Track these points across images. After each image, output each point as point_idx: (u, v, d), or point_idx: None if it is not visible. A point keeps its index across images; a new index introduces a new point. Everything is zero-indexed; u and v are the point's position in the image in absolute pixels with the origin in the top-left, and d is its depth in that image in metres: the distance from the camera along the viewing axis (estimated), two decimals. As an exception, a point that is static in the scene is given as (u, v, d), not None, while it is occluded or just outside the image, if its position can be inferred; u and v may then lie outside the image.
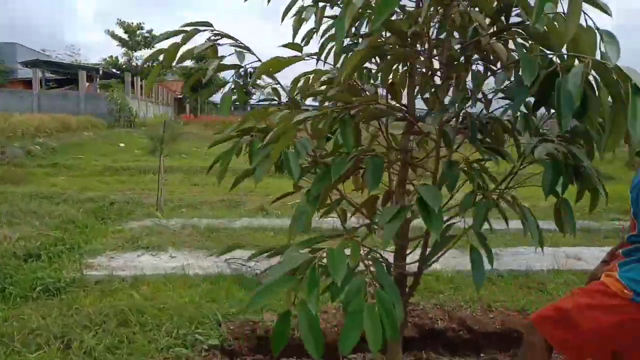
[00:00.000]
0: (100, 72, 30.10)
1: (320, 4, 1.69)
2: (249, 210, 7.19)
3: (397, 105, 1.46)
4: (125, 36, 37.24)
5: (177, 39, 1.51)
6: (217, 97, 59.00)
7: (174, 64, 1.53)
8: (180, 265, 4.42)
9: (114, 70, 34.59)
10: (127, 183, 9.53)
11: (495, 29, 1.28)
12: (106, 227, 5.82)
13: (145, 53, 39.12)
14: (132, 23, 36.97)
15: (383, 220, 1.17)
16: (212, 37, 1.52)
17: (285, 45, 1.51)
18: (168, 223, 6.07)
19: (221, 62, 1.61)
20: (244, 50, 1.51)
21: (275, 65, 1.46)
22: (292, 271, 1.09)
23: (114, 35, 37.18)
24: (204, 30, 1.50)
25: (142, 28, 37.21)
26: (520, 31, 1.27)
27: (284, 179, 7.96)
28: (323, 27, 1.75)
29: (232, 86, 1.80)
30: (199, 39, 1.57)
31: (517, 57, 1.21)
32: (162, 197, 7.10)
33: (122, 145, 16.77)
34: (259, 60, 1.54)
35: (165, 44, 1.53)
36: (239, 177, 1.65)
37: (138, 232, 5.51)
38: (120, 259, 4.62)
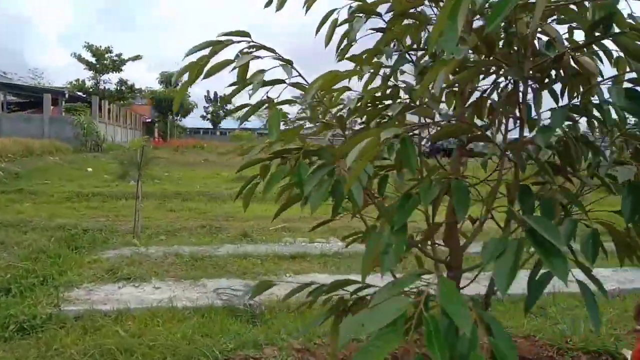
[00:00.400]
0: (66, 95, 29.24)
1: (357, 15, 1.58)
2: (231, 237, 6.92)
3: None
4: (93, 59, 36.50)
5: (206, 51, 1.36)
6: (185, 121, 58.28)
7: (200, 78, 1.37)
8: (166, 297, 4.14)
9: (80, 93, 33.70)
10: (98, 209, 9.09)
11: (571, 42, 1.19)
12: (81, 256, 5.45)
13: (113, 76, 38.43)
14: (100, 46, 36.32)
15: (490, 258, 0.99)
16: (246, 50, 1.37)
17: (347, 58, 1.37)
18: (147, 251, 5.75)
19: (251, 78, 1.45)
20: (287, 65, 1.36)
21: (332, 79, 1.32)
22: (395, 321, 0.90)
23: (80, 59, 36.39)
24: (239, 42, 1.36)
25: (110, 51, 36.60)
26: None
27: (266, 204, 7.67)
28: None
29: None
30: (227, 53, 1.42)
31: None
32: (139, 224, 6.76)
33: (89, 170, 16.16)
34: (300, 75, 1.40)
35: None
36: (285, 204, 1.48)
37: (116, 261, 5.17)
38: (100, 291, 4.29)
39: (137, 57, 38.33)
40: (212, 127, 70.98)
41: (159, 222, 7.86)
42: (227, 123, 67.98)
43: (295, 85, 1.42)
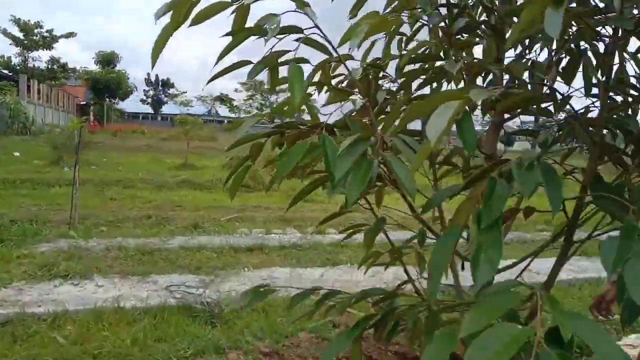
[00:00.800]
0: (-11, 72, 26.79)
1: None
2: (181, 228, 6.45)
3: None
4: (20, 34, 33.62)
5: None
6: (124, 105, 55.50)
7: (187, 24, 1.03)
8: (111, 297, 3.69)
9: (5, 71, 31.00)
10: (28, 197, 8.23)
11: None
12: (8, 251, 4.81)
13: (44, 54, 35.72)
14: (29, 20, 33.50)
15: (616, 264, 0.72)
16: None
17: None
18: (87, 244, 5.19)
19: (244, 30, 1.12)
20: (307, 6, 1.05)
21: (381, 25, 1.02)
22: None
23: (6, 33, 33.41)
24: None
25: (40, 26, 33.85)
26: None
27: (215, 192, 7.36)
28: None
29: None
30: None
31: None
32: (77, 213, 6.13)
33: (17, 154, 14.83)
34: (316, 26, 1.09)
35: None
36: (301, 193, 1.15)
37: (52, 256, 4.61)
38: (32, 291, 3.77)
39: (70, 34, 35.76)
40: (152, 111, 68.13)
41: (98, 211, 7.22)
42: (169, 108, 65.59)
43: (310, 41, 1.11)
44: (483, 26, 1.25)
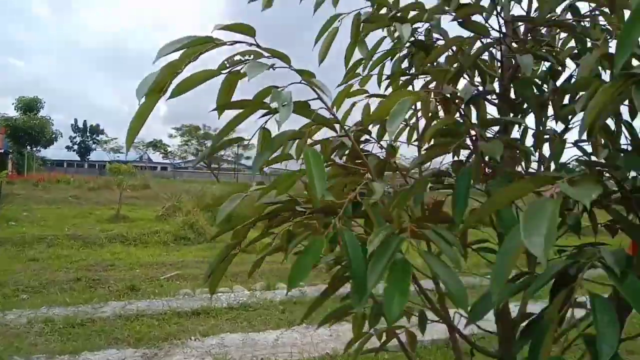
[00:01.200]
0: None
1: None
2: (115, 292, 5.88)
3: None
4: None
5: (177, 55, 0.84)
6: (47, 152, 52.31)
7: (165, 97, 0.84)
8: (36, 385, 3.17)
9: None
10: None
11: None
12: None
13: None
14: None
15: None
16: (240, 57, 0.88)
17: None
18: (5, 318, 4.55)
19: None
20: (311, 76, 0.89)
21: (415, 101, 0.86)
22: None
23: None
24: (233, 43, 0.86)
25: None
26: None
27: (152, 247, 6.87)
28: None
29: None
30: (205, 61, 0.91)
31: None
32: (-8, 280, 5.43)
33: None
34: (320, 99, 0.93)
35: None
36: (319, 302, 0.92)
37: (-40, 336, 3.96)
38: None
39: (-12, 80, 33.54)
40: (79, 159, 64.61)
41: (17, 275, 6.46)
42: (97, 154, 62.50)
43: (320, 118, 0.94)
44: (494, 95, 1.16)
